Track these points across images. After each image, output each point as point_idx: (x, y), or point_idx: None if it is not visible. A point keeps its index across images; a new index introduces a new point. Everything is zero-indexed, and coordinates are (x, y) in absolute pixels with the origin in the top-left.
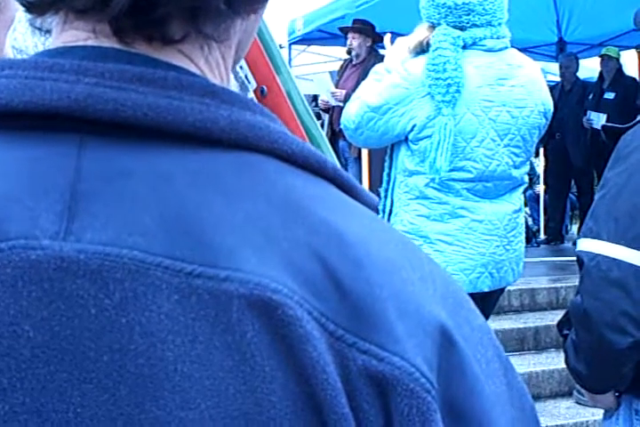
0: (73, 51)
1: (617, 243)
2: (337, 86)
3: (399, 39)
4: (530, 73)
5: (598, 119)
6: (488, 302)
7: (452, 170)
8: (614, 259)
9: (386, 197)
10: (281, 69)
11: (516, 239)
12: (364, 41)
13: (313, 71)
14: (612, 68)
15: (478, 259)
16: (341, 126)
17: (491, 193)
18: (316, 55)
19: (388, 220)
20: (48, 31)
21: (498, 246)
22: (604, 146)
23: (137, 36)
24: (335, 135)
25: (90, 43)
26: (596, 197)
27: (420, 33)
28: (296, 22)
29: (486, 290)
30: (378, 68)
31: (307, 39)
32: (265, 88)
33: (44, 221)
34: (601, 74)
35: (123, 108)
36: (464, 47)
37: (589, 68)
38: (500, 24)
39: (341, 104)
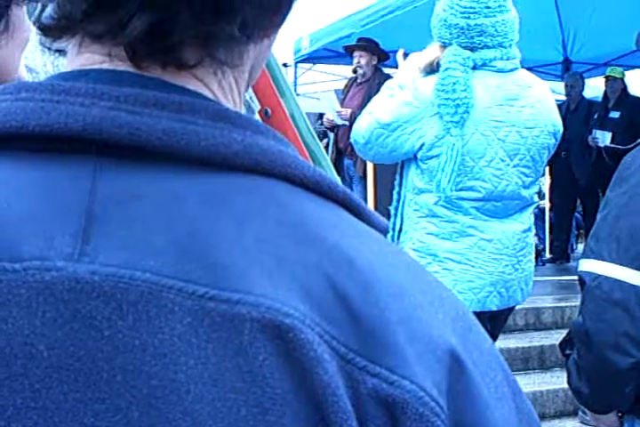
0: (89, 74)
1: (619, 263)
2: (342, 105)
3: (412, 55)
4: (540, 93)
5: (604, 137)
6: (497, 321)
7: (460, 189)
8: (616, 279)
9: (395, 215)
10: (284, 91)
11: (525, 259)
12: (371, 59)
13: (319, 90)
14: (617, 88)
15: (487, 278)
16: (351, 140)
17: (500, 212)
18: (322, 74)
19: (398, 238)
20: (57, 50)
21: (507, 266)
22: (610, 165)
23: (152, 60)
24: (340, 154)
25: (105, 66)
26: (597, 217)
27: (432, 52)
28: (302, 41)
29: (494, 309)
30: (390, 83)
31: (312, 58)
32: (269, 110)
33: (58, 242)
34: (605, 93)
35: (137, 132)
36: (474, 68)
37: (595, 88)
38: (510, 45)
39: (347, 123)
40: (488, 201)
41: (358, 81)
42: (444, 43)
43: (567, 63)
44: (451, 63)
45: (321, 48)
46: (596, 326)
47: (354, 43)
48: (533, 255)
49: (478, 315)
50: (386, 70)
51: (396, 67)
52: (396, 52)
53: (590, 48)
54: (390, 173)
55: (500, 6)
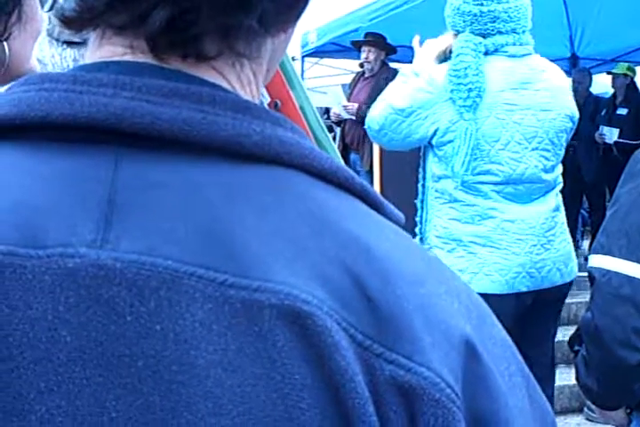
0: (110, 66)
1: (628, 259)
2: (349, 99)
3: (428, 41)
4: (554, 77)
5: (611, 134)
6: (542, 304)
7: (478, 173)
8: (625, 275)
9: (422, 207)
10: (294, 84)
11: (558, 239)
12: (379, 54)
13: (325, 84)
14: (622, 84)
15: (513, 259)
16: (365, 127)
17: (522, 196)
18: (329, 68)
19: (425, 229)
20: (65, 42)
21: (534, 246)
22: (616, 161)
23: (172, 52)
24: (347, 148)
25: (126, 58)
26: (607, 213)
27: (445, 41)
28: (309, 35)
29: (524, 290)
30: (405, 70)
31: (319, 52)
32: (279, 102)
33: (81, 229)
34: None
35: (159, 122)
36: (486, 53)
37: (602, 84)
38: (523, 31)
39: (353, 117)
40: (507, 184)
41: (365, 75)
42: (457, 31)
43: (574, 59)
44: (462, 49)
45: (328, 42)
46: (605, 322)
47: (361, 37)
48: (568, 235)
49: (511, 296)
50: (393, 65)
51: (404, 61)
52: (403, 46)
53: (598, 44)
54: (397, 168)
55: None
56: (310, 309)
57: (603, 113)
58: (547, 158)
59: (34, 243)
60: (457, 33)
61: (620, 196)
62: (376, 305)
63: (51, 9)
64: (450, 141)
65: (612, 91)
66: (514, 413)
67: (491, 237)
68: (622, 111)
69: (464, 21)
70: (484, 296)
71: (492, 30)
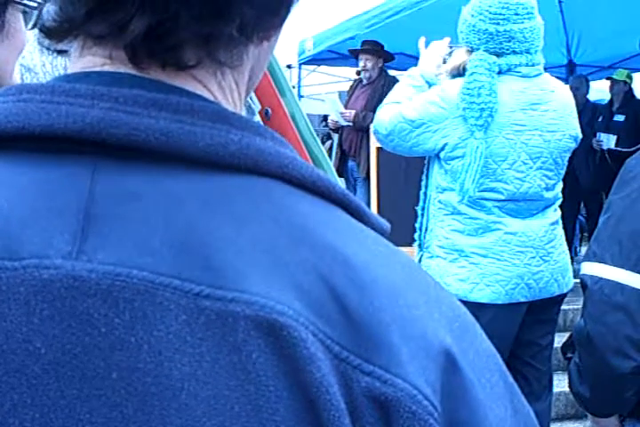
0: (89, 76)
1: (620, 267)
2: (346, 106)
3: (433, 43)
4: (562, 97)
5: (608, 140)
6: (540, 313)
7: (483, 190)
8: (618, 283)
9: (422, 215)
10: (285, 91)
11: (556, 251)
12: (377, 62)
13: (323, 91)
14: (620, 91)
15: (513, 270)
16: (372, 129)
17: (523, 212)
18: (326, 75)
19: (424, 237)
20: (56, 51)
21: (533, 258)
22: (612, 168)
23: (152, 61)
24: (344, 155)
25: (106, 68)
26: (600, 220)
27: (459, 57)
28: (306, 42)
29: (523, 300)
30: (413, 71)
31: (317, 59)
32: (269, 110)
33: (57, 241)
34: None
35: (135, 133)
36: (499, 73)
37: (599, 90)
38: (536, 51)
39: (350, 124)
40: (510, 201)
41: (363, 83)
42: (471, 47)
43: (571, 66)
44: (477, 68)
45: (325, 50)
46: (597, 330)
47: (358, 45)
48: (566, 247)
49: (510, 306)
50: (391, 72)
51: (401, 69)
52: (400, 54)
53: (594, 51)
54: (393, 175)
55: (528, 13)
56: (285, 320)
57: (600, 119)
58: (549, 178)
59: (9, 254)
60: (471, 49)
61: (612, 203)
62: (353, 316)
63: (34, 27)
64: (458, 157)
65: (608, 98)
66: (495, 424)
67: (492, 249)
68: (620, 118)
69: (479, 39)
70: (484, 306)
71: (507, 50)
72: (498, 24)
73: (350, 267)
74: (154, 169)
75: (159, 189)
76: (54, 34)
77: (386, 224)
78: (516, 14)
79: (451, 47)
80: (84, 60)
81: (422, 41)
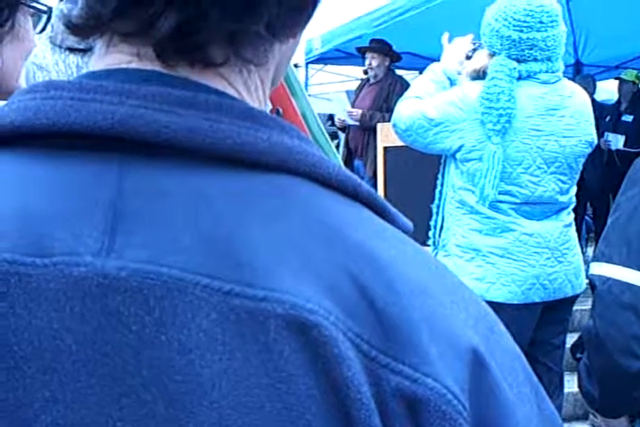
0: (116, 73)
1: (629, 267)
2: (353, 106)
3: (456, 39)
4: (579, 103)
5: (616, 140)
6: (553, 313)
7: (498, 193)
8: (626, 283)
9: (437, 213)
10: (296, 91)
11: (571, 252)
12: (383, 61)
13: (330, 90)
14: (628, 91)
15: (529, 270)
16: (391, 123)
17: (537, 214)
18: (333, 74)
19: (439, 235)
20: (68, 49)
21: (548, 258)
22: (620, 168)
23: (179, 59)
24: (351, 154)
25: (133, 66)
26: (608, 220)
27: (480, 59)
28: (313, 41)
29: (538, 300)
30: (434, 66)
31: (324, 58)
32: (280, 109)
33: (87, 238)
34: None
35: (164, 130)
36: (519, 78)
37: (606, 90)
38: (557, 59)
39: (357, 123)
40: (525, 204)
41: (370, 82)
42: (493, 52)
43: (578, 66)
44: (497, 73)
45: (332, 49)
46: (606, 330)
47: (366, 44)
48: (579, 249)
49: (525, 306)
50: (398, 71)
51: (409, 68)
52: (407, 53)
53: (601, 51)
54: (400, 174)
55: (552, 21)
56: (316, 319)
57: (607, 120)
58: (563, 182)
59: (39, 251)
60: (492, 53)
61: (620, 203)
62: (382, 315)
63: (42, 31)
64: (474, 159)
65: (615, 98)
66: (522, 423)
67: (509, 249)
68: (628, 118)
69: (501, 44)
70: (500, 306)
71: (529, 57)
72: (521, 31)
73: (379, 266)
74: (182, 167)
75: (188, 186)
76: (81, 31)
77: (409, 224)
78: (540, 22)
79: (474, 44)
80: (109, 57)
81: (446, 36)
